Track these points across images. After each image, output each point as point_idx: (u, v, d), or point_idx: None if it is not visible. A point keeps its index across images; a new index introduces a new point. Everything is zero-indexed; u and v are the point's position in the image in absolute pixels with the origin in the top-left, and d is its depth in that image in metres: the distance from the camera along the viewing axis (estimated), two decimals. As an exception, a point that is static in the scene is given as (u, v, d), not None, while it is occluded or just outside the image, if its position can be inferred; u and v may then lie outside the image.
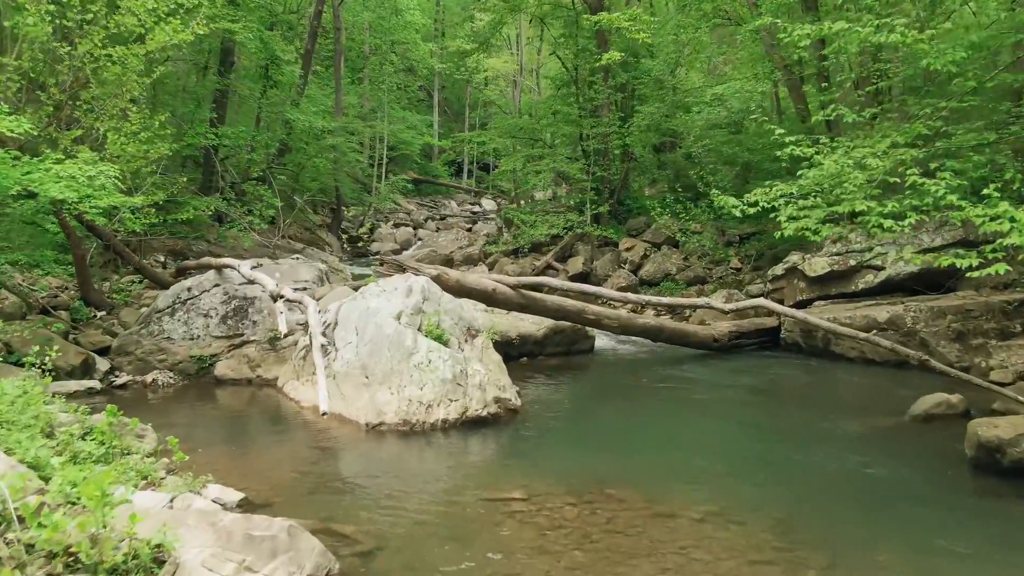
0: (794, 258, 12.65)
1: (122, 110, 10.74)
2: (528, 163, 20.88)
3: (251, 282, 9.76)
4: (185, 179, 13.18)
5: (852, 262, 12.06)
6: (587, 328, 11.58)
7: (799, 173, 7.04)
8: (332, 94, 30.67)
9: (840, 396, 9.70)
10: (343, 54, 38.80)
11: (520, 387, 9.23)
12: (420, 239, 31.91)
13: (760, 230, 17.86)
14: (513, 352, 10.75)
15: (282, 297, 8.96)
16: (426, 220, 35.74)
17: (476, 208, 41.06)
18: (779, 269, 12.75)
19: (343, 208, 29.58)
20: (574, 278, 18.52)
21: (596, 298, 11.37)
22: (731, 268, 17.07)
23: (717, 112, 13.83)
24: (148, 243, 16.89)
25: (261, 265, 10.32)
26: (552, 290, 10.93)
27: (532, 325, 11.33)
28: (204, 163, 19.50)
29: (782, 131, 8.24)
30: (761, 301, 11.38)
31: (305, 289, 10.09)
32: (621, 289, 16.60)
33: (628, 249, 18.72)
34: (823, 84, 13.11)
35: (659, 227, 19.02)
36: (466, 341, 8.74)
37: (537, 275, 19.11)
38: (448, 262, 21.45)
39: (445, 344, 8.32)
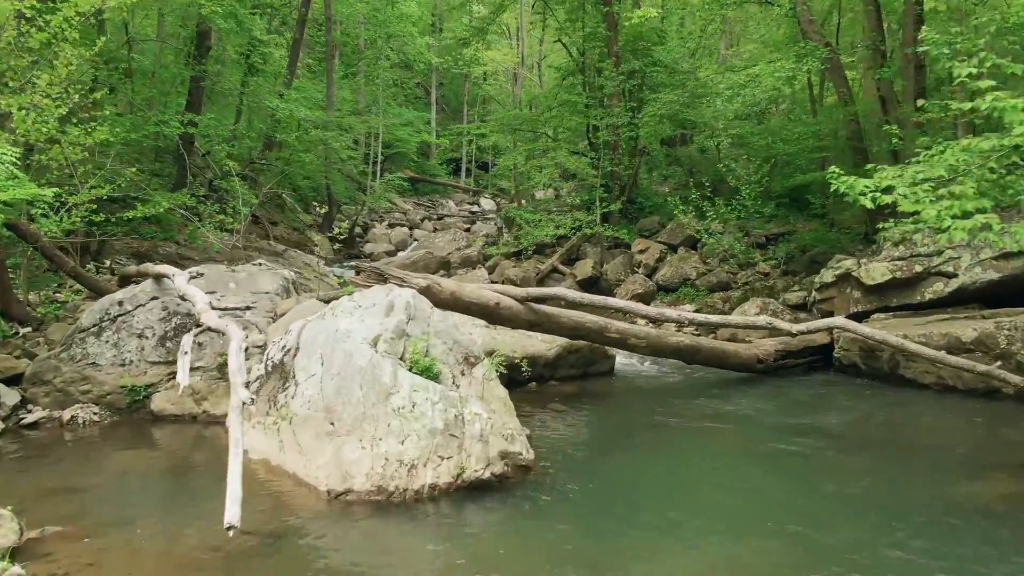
0: (847, 263, 10.59)
1: (59, 87, 8.70)
2: (530, 159, 18.78)
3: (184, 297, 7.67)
4: (133, 170, 11.11)
5: (918, 268, 10.01)
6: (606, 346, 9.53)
7: (925, 156, 5.05)
8: (325, 88, 28.59)
9: (934, 440, 7.57)
10: (337, 48, 36.80)
11: (530, 427, 7.18)
12: (416, 240, 29.83)
13: (789, 230, 15.84)
14: (519, 377, 8.72)
15: (198, 326, 6.84)
16: (422, 220, 33.67)
17: (475, 208, 39.00)
18: (828, 276, 10.68)
19: (334, 207, 27.50)
20: (583, 283, 16.48)
21: (623, 313, 9.17)
22: (758, 273, 15.03)
23: (751, 94, 11.82)
24: (111, 245, 14.86)
25: (202, 275, 8.23)
26: (570, 304, 8.86)
27: (542, 343, 9.27)
28: (178, 156, 17.40)
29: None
30: (839, 321, 9.22)
31: (248, 309, 7.97)
32: (638, 297, 14.55)
33: (642, 251, 16.66)
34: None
35: (677, 226, 16.97)
36: (462, 373, 6.68)
37: (541, 279, 17.07)
38: (445, 265, 19.38)
39: (435, 378, 6.27)
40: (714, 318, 9.53)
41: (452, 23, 32.95)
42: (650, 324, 9.70)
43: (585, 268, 16.64)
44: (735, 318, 9.92)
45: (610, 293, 16.35)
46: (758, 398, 8.90)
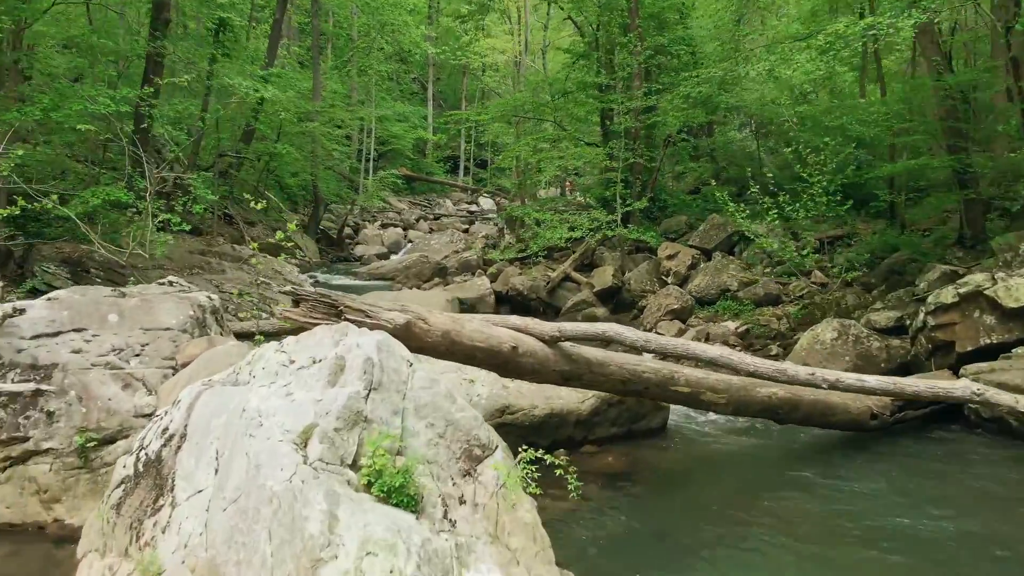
0: (977, 278, 7.68)
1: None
2: (537, 150, 15.86)
3: (45, 335, 4.77)
4: (20, 153, 8.22)
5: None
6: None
7: None
8: (324, 79, 25.66)
9: None
10: (330, 40, 33.89)
11: (559, 532, 4.32)
12: (410, 241, 26.94)
13: (847, 232, 13.00)
14: (542, 440, 5.87)
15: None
16: (418, 220, 30.77)
17: (473, 207, 36.13)
18: (948, 295, 7.78)
19: (321, 206, 24.57)
20: (602, 294, 13.60)
21: (714, 365, 5.88)
22: (813, 284, 12.14)
23: (827, 62, 8.98)
24: (38, 250, 12.02)
25: (58, 300, 5.30)
26: (628, 347, 5.91)
27: (574, 394, 6.40)
28: (130, 145, 14.45)
29: None
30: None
31: (137, 355, 5.03)
32: (674, 313, 11.68)
33: (670, 257, 13.78)
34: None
35: (711, 228, 14.10)
36: (464, 477, 3.81)
37: (552, 288, 14.20)
38: (440, 272, 16.48)
39: (413, 505, 3.40)
40: (908, 382, 6.26)
41: (449, 7, 29.96)
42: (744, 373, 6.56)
43: (604, 276, 13.76)
44: (950, 384, 6.44)
45: (632, 305, 13.48)
46: (884, 473, 6.03)
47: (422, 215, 31.93)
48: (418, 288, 15.37)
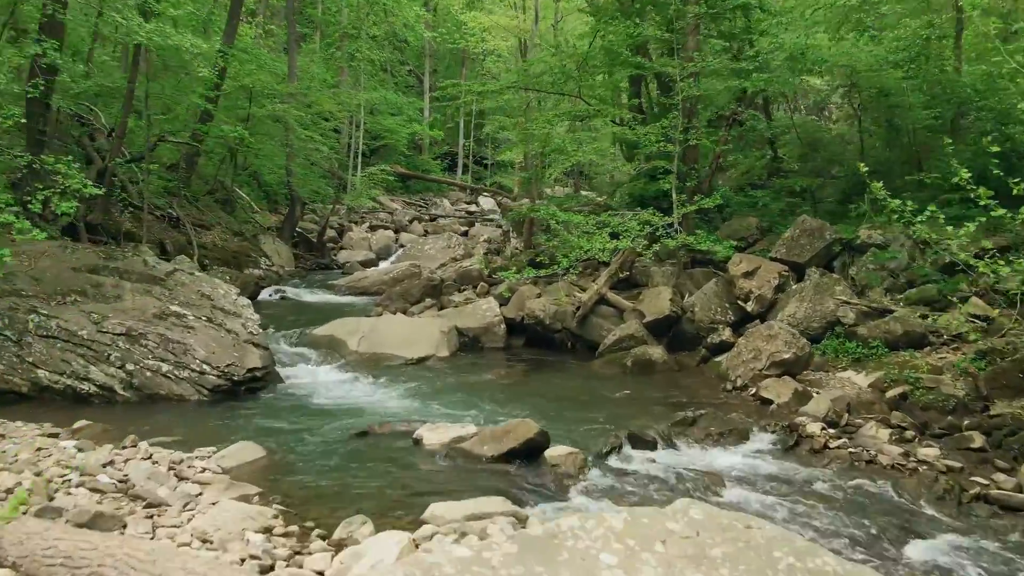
0: None
1: None
2: (561, 125, 11.61)
3: None
4: None
5: None
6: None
7: None
8: (312, 68, 21.45)
9: None
10: (314, 25, 29.69)
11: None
12: (402, 245, 22.76)
13: (1015, 242, 8.84)
14: None
15: None
16: (411, 221, 26.58)
17: (473, 207, 31.95)
18: None
19: (298, 205, 20.38)
20: (655, 326, 9.42)
21: None
22: (972, 318, 7.99)
23: None
24: None
25: None
26: None
27: None
28: (27, 119, 10.19)
29: None
30: None
31: None
32: (783, 366, 7.53)
33: (748, 274, 9.58)
34: None
35: (800, 234, 9.95)
36: None
37: (584, 316, 10.08)
38: (433, 290, 12.27)
39: None
40: None
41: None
42: None
43: (658, 302, 9.58)
44: None
45: (698, 341, 9.34)
46: None
47: (417, 216, 27.75)
48: (404, 312, 11.21)
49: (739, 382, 7.60)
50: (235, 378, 7.45)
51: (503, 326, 10.32)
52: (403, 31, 30.00)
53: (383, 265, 20.05)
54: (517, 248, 20.39)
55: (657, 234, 9.35)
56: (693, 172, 10.85)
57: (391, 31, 30.98)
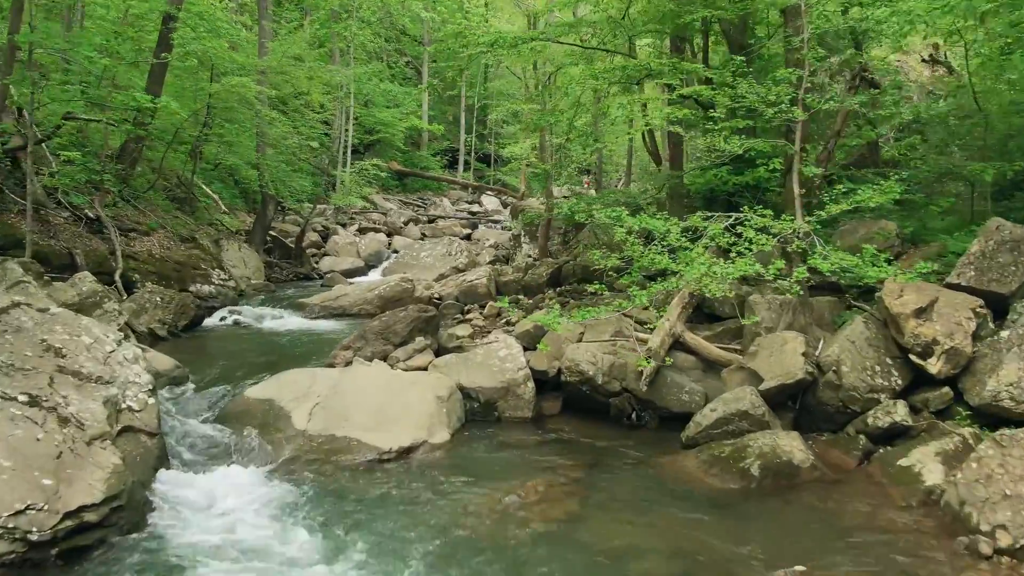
0: None
1: None
2: (606, 86, 7.81)
3: None
4: None
5: None
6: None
7: None
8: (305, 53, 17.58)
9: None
10: (303, 11, 26.00)
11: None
12: (395, 252, 19.09)
13: None
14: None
15: None
16: (406, 223, 22.85)
17: (476, 207, 28.28)
18: None
19: (271, 205, 16.60)
20: (776, 395, 5.61)
21: None
22: None
23: None
24: None
25: None
26: None
27: None
28: None
29: None
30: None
31: None
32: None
33: (920, 311, 5.87)
34: None
35: (995, 246, 6.24)
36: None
37: (654, 373, 6.34)
38: (428, 324, 8.41)
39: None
40: None
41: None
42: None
43: (783, 357, 5.83)
44: None
45: (842, 417, 5.59)
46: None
47: (413, 217, 24.02)
48: (384, 358, 7.44)
49: (1002, 541, 3.87)
50: (33, 538, 3.72)
51: (531, 385, 6.59)
52: (399, 13, 26.23)
53: (371, 277, 16.32)
54: (530, 256, 16.66)
55: (807, 256, 5.62)
56: (804, 154, 7.12)
57: (386, 15, 27.29)
